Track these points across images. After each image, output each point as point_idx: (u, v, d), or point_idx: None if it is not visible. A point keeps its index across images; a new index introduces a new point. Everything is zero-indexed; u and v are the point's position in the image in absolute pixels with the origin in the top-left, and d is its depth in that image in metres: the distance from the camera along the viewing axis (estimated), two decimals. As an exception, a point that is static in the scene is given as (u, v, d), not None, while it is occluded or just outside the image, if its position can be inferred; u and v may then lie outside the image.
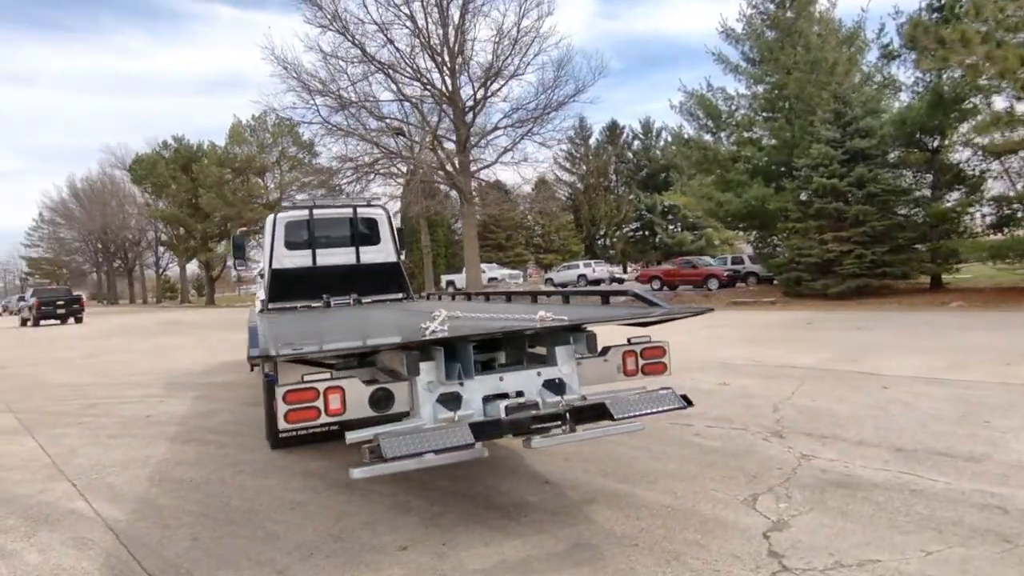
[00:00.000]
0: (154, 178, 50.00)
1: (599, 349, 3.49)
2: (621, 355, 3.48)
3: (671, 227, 56.92)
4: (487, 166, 24.85)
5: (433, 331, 3.05)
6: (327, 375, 2.98)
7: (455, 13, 22.60)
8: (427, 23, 22.04)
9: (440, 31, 22.53)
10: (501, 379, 3.16)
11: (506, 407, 3.00)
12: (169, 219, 50.42)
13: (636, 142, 62.92)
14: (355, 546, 3.16)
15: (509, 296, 6.34)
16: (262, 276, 8.33)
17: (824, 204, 18.02)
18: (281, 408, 2.84)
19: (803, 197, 19.53)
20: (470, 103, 23.42)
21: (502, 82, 23.31)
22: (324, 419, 2.94)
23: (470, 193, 23.61)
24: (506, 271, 37.58)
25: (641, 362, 3.50)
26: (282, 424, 2.87)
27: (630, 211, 58.15)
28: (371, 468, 2.83)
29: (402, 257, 10.11)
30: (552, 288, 28.64)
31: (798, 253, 18.82)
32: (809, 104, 20.45)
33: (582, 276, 39.44)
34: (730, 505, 3.38)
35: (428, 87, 22.54)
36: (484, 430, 2.84)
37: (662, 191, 49.00)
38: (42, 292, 30.56)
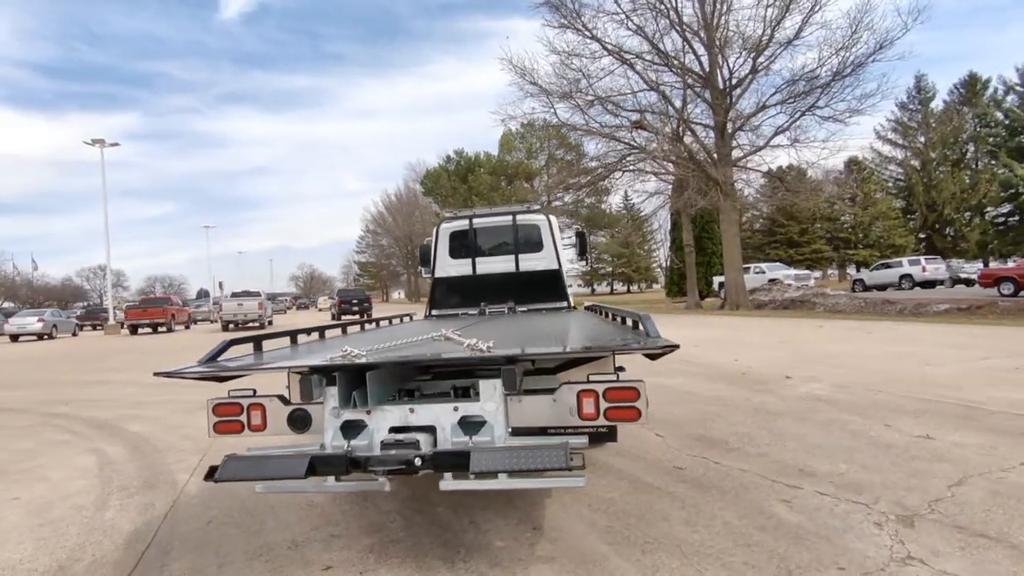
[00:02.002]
0: (439, 189, 58.89)
1: (555, 386, 3.13)
2: (576, 395, 3.01)
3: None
4: (755, 151, 22.89)
5: (349, 355, 3.14)
6: (251, 392, 3.33)
7: (713, -18, 21.37)
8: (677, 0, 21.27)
9: (695, 5, 21.56)
10: (412, 410, 3.07)
11: (382, 442, 2.93)
12: (449, 227, 58.71)
13: (1009, 97, 50.61)
14: (297, 556, 3.42)
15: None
16: None
17: None
18: (210, 419, 3.28)
19: None
20: (732, 82, 21.89)
21: (773, 51, 21.23)
22: (247, 433, 3.29)
23: (730, 185, 22.01)
24: (791, 271, 33.60)
25: (604, 405, 2.98)
26: (211, 433, 3.30)
27: (996, 190, 47.01)
28: (271, 484, 3.07)
29: (582, 265, 10.06)
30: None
31: None
32: None
33: (906, 276, 33.36)
34: (702, 604, 2.69)
35: (678, 71, 21.71)
36: (326, 464, 2.82)
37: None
38: (343, 293, 40.20)
